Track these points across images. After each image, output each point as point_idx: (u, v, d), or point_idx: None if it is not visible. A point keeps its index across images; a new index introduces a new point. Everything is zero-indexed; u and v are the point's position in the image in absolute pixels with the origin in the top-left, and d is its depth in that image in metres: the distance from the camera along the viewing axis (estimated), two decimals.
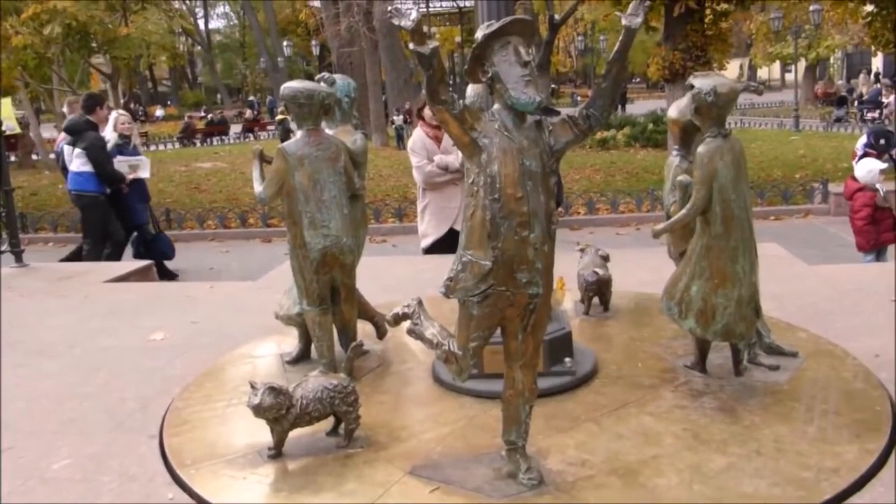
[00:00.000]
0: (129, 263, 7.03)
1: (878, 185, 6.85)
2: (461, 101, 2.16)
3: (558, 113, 2.36)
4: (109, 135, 8.21)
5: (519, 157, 2.18)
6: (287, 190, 3.33)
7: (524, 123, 2.22)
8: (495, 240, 2.22)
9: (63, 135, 8.67)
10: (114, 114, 8.65)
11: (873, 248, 6.91)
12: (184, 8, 51.26)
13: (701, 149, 2.91)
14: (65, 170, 8.53)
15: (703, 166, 2.90)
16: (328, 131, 3.53)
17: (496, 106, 2.24)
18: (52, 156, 22.39)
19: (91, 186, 7.99)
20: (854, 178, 7.10)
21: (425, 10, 31.50)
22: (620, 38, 2.19)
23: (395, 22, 2.01)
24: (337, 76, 3.70)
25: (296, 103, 3.30)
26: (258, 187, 3.43)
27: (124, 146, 8.31)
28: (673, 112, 3.40)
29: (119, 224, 8.16)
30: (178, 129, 32.30)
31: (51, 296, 5.71)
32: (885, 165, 7.30)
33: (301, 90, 3.30)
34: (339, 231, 3.38)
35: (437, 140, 5.54)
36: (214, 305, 5.22)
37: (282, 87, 3.38)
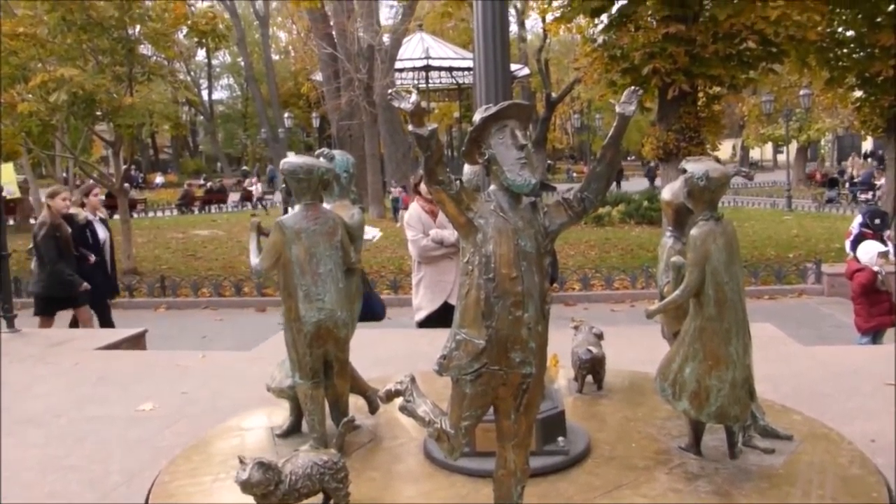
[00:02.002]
0: (121, 331, 6.98)
1: (876, 267, 6.92)
2: (458, 181, 2.20)
3: (554, 189, 2.40)
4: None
5: (514, 237, 2.21)
6: (283, 263, 3.35)
7: (520, 205, 2.26)
8: (489, 319, 2.23)
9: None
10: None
11: (870, 330, 6.92)
12: (188, 79, 52.41)
13: (694, 231, 2.95)
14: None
15: (696, 249, 2.93)
16: (326, 205, 3.57)
17: (492, 187, 2.28)
18: None
19: None
20: (856, 259, 7.18)
21: (425, 85, 32.26)
22: (614, 125, 2.25)
23: (395, 104, 2.07)
24: (336, 152, 3.77)
25: (295, 178, 3.35)
26: (254, 259, 3.45)
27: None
28: (666, 194, 3.46)
29: None
30: (177, 197, 32.62)
31: (41, 362, 5.66)
32: (886, 248, 7.40)
33: (300, 166, 3.35)
34: (334, 305, 3.39)
35: (433, 214, 5.61)
36: (206, 375, 5.17)
37: (281, 163, 3.44)
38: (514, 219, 2.20)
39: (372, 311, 7.92)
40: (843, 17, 13.95)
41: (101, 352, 6.02)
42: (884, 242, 8.55)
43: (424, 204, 5.67)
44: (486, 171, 2.29)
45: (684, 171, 2.98)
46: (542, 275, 2.26)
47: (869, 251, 7.03)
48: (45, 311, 7.67)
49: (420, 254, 5.63)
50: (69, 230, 7.61)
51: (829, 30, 13.47)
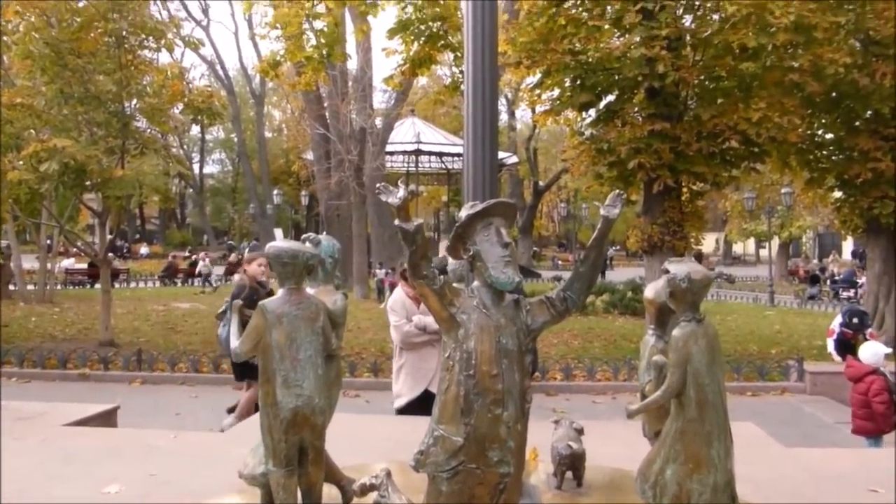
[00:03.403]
0: (91, 406, 6.83)
1: (882, 369, 6.91)
2: (442, 276, 2.21)
3: (538, 276, 2.42)
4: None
5: (496, 334, 2.21)
6: (263, 347, 3.31)
7: (502, 302, 2.27)
8: (468, 416, 2.21)
9: None
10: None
11: (879, 433, 6.86)
12: (181, 153, 52.98)
13: (676, 332, 2.95)
14: None
15: (677, 350, 2.93)
16: (309, 290, 3.56)
17: (475, 283, 2.29)
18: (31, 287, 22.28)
19: None
20: (857, 360, 7.15)
21: (415, 168, 32.76)
22: (598, 227, 2.29)
23: (383, 198, 2.10)
24: (322, 237, 3.78)
25: (279, 262, 3.35)
26: (234, 342, 3.41)
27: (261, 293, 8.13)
28: (649, 293, 3.47)
29: None
30: (161, 268, 32.51)
31: (7, 437, 5.49)
32: (888, 350, 7.40)
33: (285, 250, 3.35)
34: (313, 391, 3.33)
35: (417, 300, 5.60)
36: (176, 456, 5.03)
37: (267, 246, 3.44)
38: (496, 316, 2.21)
39: None
40: (823, 121, 14.40)
41: (70, 428, 5.87)
42: (865, 339, 8.60)
43: (409, 290, 5.67)
44: (471, 267, 2.30)
45: (667, 271, 3.00)
46: (522, 373, 2.25)
47: (876, 353, 7.00)
48: (246, 376, 7.86)
49: (402, 340, 5.59)
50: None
51: (809, 132, 13.88)
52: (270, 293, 7.83)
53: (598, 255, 2.31)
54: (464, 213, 2.29)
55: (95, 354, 12.49)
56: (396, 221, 2.12)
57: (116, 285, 25.53)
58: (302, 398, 3.31)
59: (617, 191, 2.30)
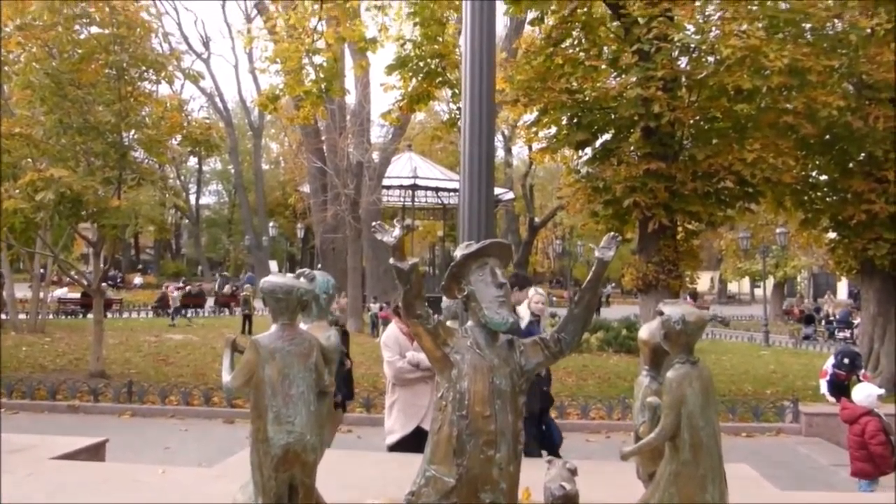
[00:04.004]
0: (80, 439, 6.74)
1: (876, 410, 6.89)
2: (436, 315, 2.20)
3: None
4: (524, 312, 7.80)
5: (489, 374, 2.20)
6: (255, 382, 3.29)
7: (496, 342, 2.26)
8: (461, 457, 2.19)
9: None
10: (531, 290, 8.22)
11: (876, 475, 6.81)
12: (178, 184, 53.14)
13: (670, 374, 2.94)
14: None
15: (671, 392, 2.92)
16: (303, 326, 3.54)
17: (469, 323, 2.29)
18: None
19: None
20: (851, 402, 7.13)
21: (411, 203, 32.85)
22: (593, 269, 2.29)
23: (378, 237, 2.10)
24: (317, 272, 3.78)
25: (273, 297, 3.34)
26: (226, 377, 3.38)
27: (534, 325, 7.88)
28: (644, 333, 3.47)
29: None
30: (154, 299, 32.37)
31: None
32: (881, 391, 7.38)
33: (280, 285, 3.34)
34: (304, 428, 3.30)
35: (411, 336, 5.58)
36: (164, 493, 4.95)
37: (262, 281, 3.44)
38: (490, 356, 2.20)
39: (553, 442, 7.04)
40: (817, 163, 14.50)
41: (58, 462, 5.78)
42: (858, 380, 8.58)
43: (402, 325, 5.66)
44: (465, 306, 2.30)
45: (661, 312, 3.00)
46: (516, 414, 2.23)
47: (870, 394, 6.99)
48: None
49: (395, 376, 5.56)
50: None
51: (803, 174, 13.96)
52: (344, 332, 7.79)
53: (593, 297, 2.31)
54: (459, 252, 2.30)
55: (85, 386, 12.38)
56: (391, 260, 2.12)
57: (109, 315, 25.41)
58: (293, 435, 3.28)
59: (612, 233, 2.31)
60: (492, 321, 2.21)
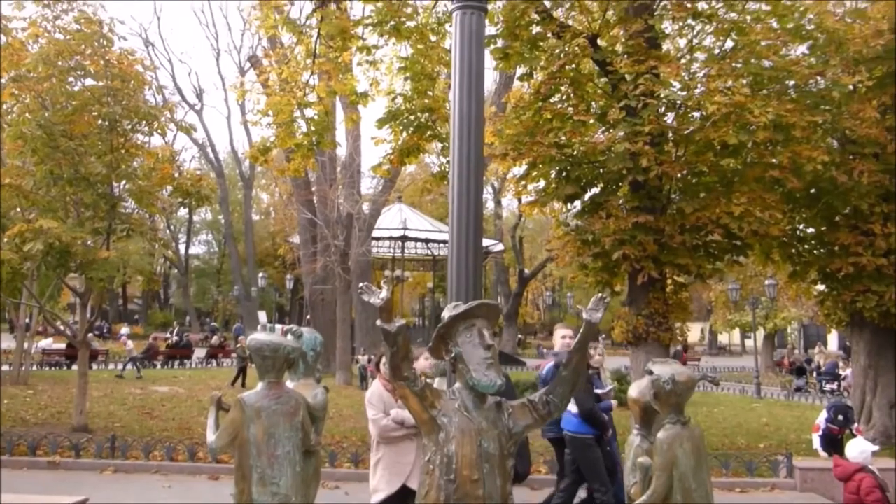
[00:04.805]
0: (60, 498, 6.59)
1: (870, 466, 6.83)
2: (422, 378, 2.17)
3: (523, 364, 2.39)
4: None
5: (477, 438, 2.16)
6: (240, 442, 3.23)
7: (484, 404, 2.23)
8: None
9: None
10: (560, 332, 8.28)
11: None
12: (168, 234, 53.13)
13: (661, 435, 2.91)
14: None
15: (663, 453, 2.88)
16: (290, 384, 3.50)
17: (457, 385, 2.26)
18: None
19: (583, 428, 7.49)
20: (843, 458, 7.06)
21: (401, 254, 32.90)
22: (581, 331, 2.27)
23: (365, 298, 2.08)
24: (305, 329, 3.76)
25: (260, 355, 3.31)
26: (211, 436, 3.33)
27: (595, 378, 7.84)
28: (633, 392, 3.45)
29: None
30: (141, 350, 32.02)
31: None
32: (876, 448, 7.33)
33: (267, 343, 3.32)
34: (289, 490, 3.25)
35: (395, 393, 5.53)
36: None
37: (249, 339, 3.41)
38: (478, 419, 2.16)
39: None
40: (804, 216, 14.63)
41: None
42: (852, 435, 8.51)
43: (386, 382, 5.61)
44: (453, 368, 2.27)
45: (650, 372, 2.98)
46: (504, 478, 2.19)
47: (863, 451, 6.93)
48: None
49: (380, 433, 5.50)
50: None
51: (790, 227, 14.08)
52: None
53: (581, 360, 2.29)
54: (446, 314, 2.28)
55: (67, 441, 12.13)
56: (378, 322, 2.10)
57: (94, 366, 25.08)
58: (278, 497, 3.21)
59: (599, 294, 2.30)
60: (479, 383, 2.18)
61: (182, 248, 61.03)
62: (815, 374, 30.76)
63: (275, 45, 18.30)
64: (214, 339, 36.73)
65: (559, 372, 2.32)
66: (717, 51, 12.54)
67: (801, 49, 12.72)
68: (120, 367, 26.09)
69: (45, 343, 29.49)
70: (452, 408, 2.19)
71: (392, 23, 11.68)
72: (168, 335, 38.30)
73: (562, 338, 7.93)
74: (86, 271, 13.23)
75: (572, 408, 7.46)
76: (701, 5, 12.15)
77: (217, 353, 33.48)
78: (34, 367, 25.00)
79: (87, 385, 14.28)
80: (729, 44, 12.34)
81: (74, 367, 14.45)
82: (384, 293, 2.06)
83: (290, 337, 3.55)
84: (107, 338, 42.69)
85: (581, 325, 2.32)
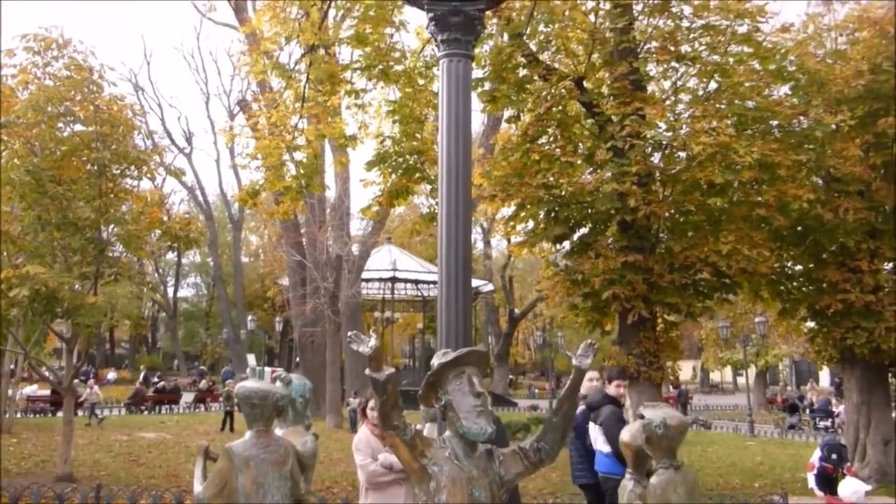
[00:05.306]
0: None
1: None
2: (412, 426, 2.15)
3: (515, 404, 2.37)
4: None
5: (468, 487, 2.13)
6: (228, 492, 3.18)
7: (475, 452, 2.21)
8: None
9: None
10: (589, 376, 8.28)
11: None
12: (157, 277, 52.87)
13: (654, 480, 2.89)
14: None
15: (656, 498, 2.85)
16: (279, 431, 3.46)
17: (447, 433, 2.23)
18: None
19: (617, 468, 7.18)
20: (837, 498, 7.03)
21: (390, 296, 32.83)
22: (571, 377, 2.26)
23: (354, 347, 2.07)
24: (294, 376, 3.72)
25: (249, 403, 3.27)
26: (198, 486, 3.28)
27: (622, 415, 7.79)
28: (625, 436, 3.42)
29: None
30: (128, 395, 31.63)
31: None
32: (869, 487, 7.31)
33: (255, 391, 3.28)
34: None
35: (383, 438, 5.47)
36: None
37: (237, 386, 3.38)
38: (468, 468, 2.13)
39: None
40: (792, 253, 14.72)
41: None
42: (843, 475, 8.46)
43: (373, 427, 5.56)
44: (443, 416, 2.25)
45: (642, 416, 2.97)
46: None
47: (857, 491, 6.91)
48: None
49: (368, 479, 5.43)
50: None
51: (778, 264, 14.15)
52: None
53: (572, 406, 2.27)
54: (435, 361, 2.26)
55: (51, 491, 11.89)
56: (367, 371, 2.08)
57: (80, 412, 24.70)
58: None
59: (588, 340, 2.29)
60: (469, 431, 2.16)
61: (170, 290, 60.69)
62: (808, 411, 30.68)
63: (264, 89, 18.45)
64: (203, 383, 36.39)
65: (549, 419, 2.31)
66: (701, 92, 12.72)
67: (784, 90, 12.94)
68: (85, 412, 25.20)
69: (30, 390, 29.09)
70: (443, 456, 2.17)
71: (380, 67, 11.79)
72: (155, 380, 37.82)
73: (588, 380, 7.95)
74: (73, 317, 13.12)
75: (604, 447, 7.44)
76: (684, 48, 12.35)
77: (205, 398, 33.13)
78: (18, 415, 24.61)
79: (72, 433, 14.06)
80: (713, 85, 12.53)
81: (59, 413, 14.22)
82: (373, 342, 2.05)
83: (278, 383, 3.51)
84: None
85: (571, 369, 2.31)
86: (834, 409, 26.87)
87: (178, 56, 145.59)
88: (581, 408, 7.89)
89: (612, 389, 7.99)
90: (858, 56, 12.86)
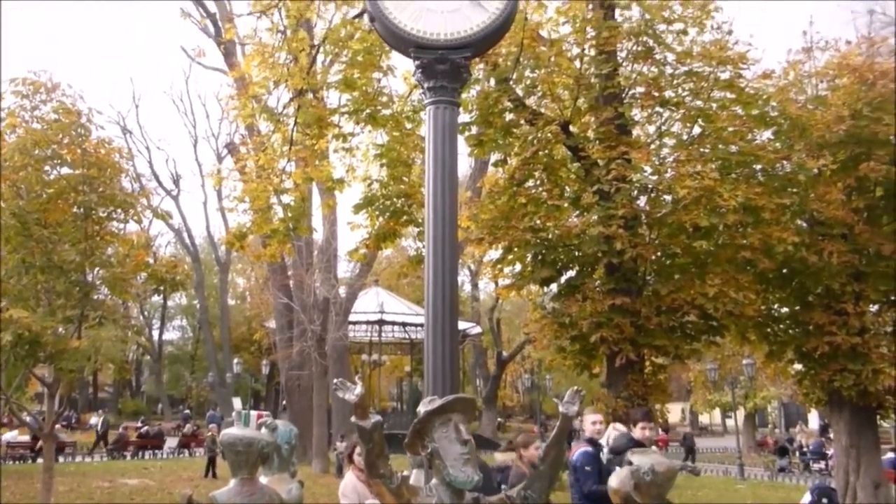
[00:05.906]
0: None
1: None
2: (399, 474, 2.13)
3: (499, 446, 2.35)
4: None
5: None
6: None
7: (462, 501, 2.18)
8: None
9: None
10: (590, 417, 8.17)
11: None
12: (142, 319, 52.40)
13: None
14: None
15: None
16: (264, 479, 3.41)
17: (434, 481, 2.21)
18: None
19: None
20: None
21: (378, 338, 32.67)
22: (558, 424, 2.25)
23: (340, 394, 2.06)
24: (279, 422, 3.68)
25: (233, 451, 3.23)
26: None
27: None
28: (613, 482, 3.38)
29: None
30: (111, 440, 31.16)
31: None
32: None
33: (240, 438, 3.24)
34: None
35: (370, 484, 5.40)
36: None
37: (221, 434, 3.34)
38: None
39: None
40: (777, 296, 14.77)
41: None
42: None
43: (359, 473, 5.50)
44: (429, 464, 2.23)
45: (630, 462, 2.94)
46: None
47: None
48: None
49: None
50: None
51: (764, 307, 14.18)
52: None
53: (559, 454, 2.26)
54: (422, 408, 2.25)
55: None
56: (353, 419, 2.07)
57: (61, 459, 24.27)
58: None
59: (575, 388, 2.29)
60: (456, 480, 2.14)
61: (156, 333, 60.14)
62: (797, 453, 30.56)
63: (252, 132, 18.54)
64: (187, 428, 35.88)
65: (536, 467, 2.29)
66: (685, 137, 12.89)
67: (767, 134, 13.11)
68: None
69: (10, 436, 28.59)
70: None
71: (368, 111, 11.90)
72: (139, 424, 37.25)
73: (592, 423, 7.92)
74: (56, 361, 12.96)
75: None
76: (668, 94, 12.54)
77: (190, 443, 32.66)
78: None
79: (52, 480, 13.79)
80: (697, 130, 12.70)
81: (40, 459, 13.96)
82: (358, 389, 2.04)
83: (264, 430, 3.47)
84: (75, 428, 41.57)
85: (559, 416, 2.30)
86: (827, 451, 26.78)
87: (166, 99, 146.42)
88: (582, 449, 7.80)
89: (637, 433, 7.89)
90: (839, 102, 13.07)
